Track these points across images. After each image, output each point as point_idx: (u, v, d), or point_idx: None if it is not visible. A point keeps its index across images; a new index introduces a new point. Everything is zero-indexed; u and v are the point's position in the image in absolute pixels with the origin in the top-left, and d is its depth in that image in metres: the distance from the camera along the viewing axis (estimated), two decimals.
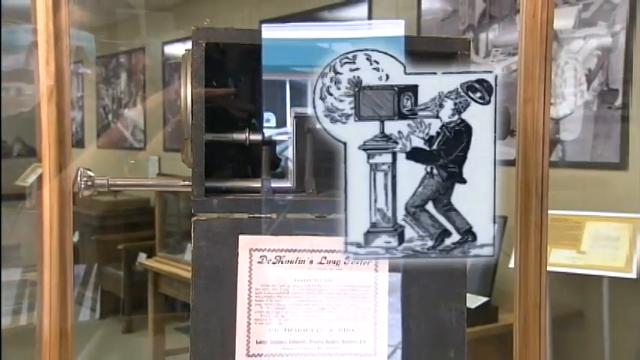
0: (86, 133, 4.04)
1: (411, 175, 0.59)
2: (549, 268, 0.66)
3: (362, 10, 2.18)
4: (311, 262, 0.62)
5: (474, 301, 1.53)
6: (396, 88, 0.59)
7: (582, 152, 1.53)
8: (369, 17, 2.12)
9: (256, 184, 0.65)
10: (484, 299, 1.55)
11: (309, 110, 0.59)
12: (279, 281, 0.62)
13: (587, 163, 1.53)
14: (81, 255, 3.16)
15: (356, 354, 0.62)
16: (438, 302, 0.63)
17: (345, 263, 0.62)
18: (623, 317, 1.41)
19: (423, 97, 0.59)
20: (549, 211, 0.65)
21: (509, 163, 0.63)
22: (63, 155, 0.70)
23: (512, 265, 0.65)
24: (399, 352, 0.63)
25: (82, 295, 2.97)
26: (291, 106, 0.66)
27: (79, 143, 3.95)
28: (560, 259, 1.34)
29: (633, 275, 1.32)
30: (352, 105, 0.59)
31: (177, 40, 3.21)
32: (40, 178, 0.71)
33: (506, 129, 0.60)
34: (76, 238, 3.07)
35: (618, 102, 1.46)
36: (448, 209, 0.59)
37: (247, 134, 0.65)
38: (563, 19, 1.52)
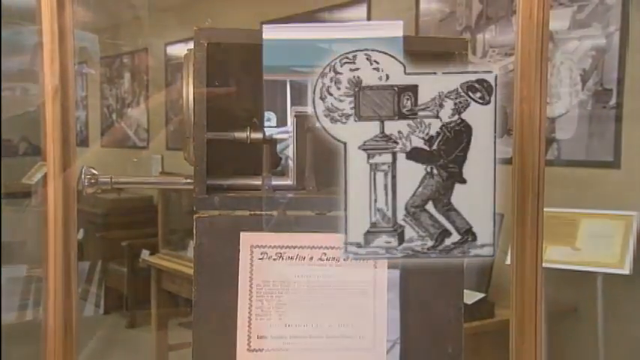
0: (90, 132, 4.07)
1: (411, 175, 0.59)
2: (545, 265, 0.67)
3: (361, 11, 2.19)
4: (311, 258, 0.63)
5: (470, 297, 1.55)
6: (396, 88, 0.59)
7: (577, 151, 1.54)
8: (368, 18, 2.13)
9: (257, 182, 0.66)
10: (481, 295, 1.56)
11: (310, 110, 0.59)
12: (279, 277, 0.63)
13: (582, 161, 1.54)
14: (85, 252, 3.18)
15: (355, 349, 0.63)
16: (435, 298, 0.63)
17: (344, 260, 0.62)
18: (616, 312, 1.42)
19: (423, 97, 0.59)
20: (545, 209, 0.66)
21: (506, 161, 0.64)
22: (67, 154, 0.71)
23: (508, 261, 0.65)
24: (397, 347, 0.63)
25: (86, 291, 2.99)
26: (292, 105, 0.67)
27: (84, 142, 3.97)
28: (555, 256, 1.35)
29: (627, 271, 1.33)
30: (352, 105, 0.59)
31: (179, 40, 3.22)
32: (45, 177, 0.72)
33: (502, 128, 0.60)
34: (80, 235, 3.09)
35: (612, 101, 1.47)
36: (448, 209, 0.60)
37: (248, 133, 0.66)
38: (559, 21, 1.53)
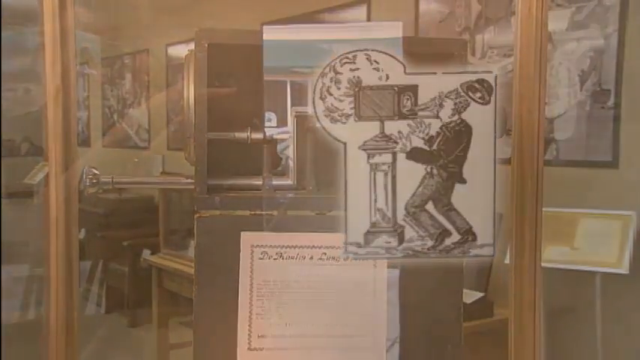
0: (92, 133, 4.07)
1: (411, 175, 0.59)
2: (543, 264, 0.67)
3: (361, 12, 2.20)
4: (311, 258, 0.64)
5: (469, 296, 1.55)
6: (396, 88, 0.60)
7: (576, 151, 1.55)
8: (368, 19, 2.13)
9: (258, 182, 0.67)
10: (480, 294, 1.56)
11: (310, 110, 0.60)
12: (280, 277, 0.64)
13: (581, 161, 1.54)
14: (87, 251, 3.18)
15: (355, 348, 0.64)
16: (435, 297, 0.64)
17: (344, 260, 0.63)
18: (614, 311, 1.42)
19: (423, 97, 0.60)
20: (543, 208, 0.66)
21: (505, 161, 0.64)
22: (69, 154, 0.72)
23: (507, 260, 0.66)
24: (397, 346, 0.64)
25: (87, 291, 3.00)
26: (292, 105, 0.67)
27: (85, 142, 3.98)
28: (554, 255, 1.36)
29: (624, 271, 1.33)
30: (352, 105, 0.60)
31: (180, 41, 3.23)
32: (47, 177, 0.73)
33: (502, 128, 0.61)
34: (82, 235, 3.09)
35: (610, 102, 1.47)
36: (448, 209, 0.60)
37: (249, 133, 0.67)
38: (557, 22, 1.53)
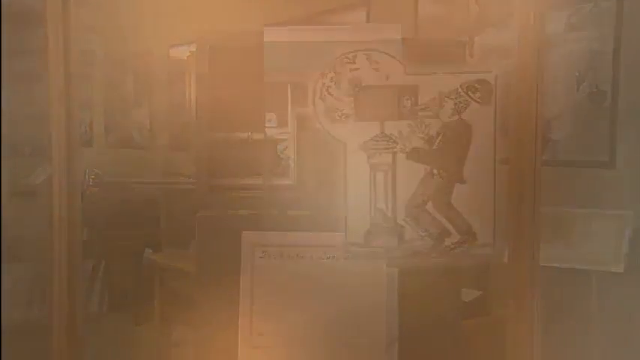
0: (94, 133, 4.08)
1: (411, 175, 0.60)
2: (540, 263, 0.67)
3: (361, 13, 2.20)
4: (311, 257, 0.64)
5: (468, 294, 1.54)
6: (396, 89, 0.60)
7: (573, 151, 1.55)
8: (368, 21, 2.13)
9: (258, 182, 0.67)
10: (478, 293, 1.56)
11: (310, 110, 0.60)
12: (280, 276, 0.64)
13: (578, 161, 1.55)
14: (89, 250, 3.18)
15: (354, 346, 0.64)
16: (434, 296, 0.64)
17: (344, 259, 0.63)
18: (610, 310, 1.42)
19: (423, 97, 0.60)
20: (541, 208, 0.66)
21: (503, 161, 0.64)
22: (72, 154, 0.72)
23: (506, 259, 0.66)
24: (396, 345, 0.64)
25: (90, 289, 3.00)
26: (292, 105, 0.67)
27: (87, 143, 3.99)
28: (550, 254, 1.35)
29: (620, 270, 1.33)
30: (352, 105, 0.60)
31: (183, 43, 3.23)
32: (50, 177, 0.73)
33: (501, 128, 0.61)
34: (84, 234, 3.08)
35: (607, 102, 1.48)
36: (448, 209, 0.60)
37: (250, 133, 0.67)
38: (554, 23, 1.54)
